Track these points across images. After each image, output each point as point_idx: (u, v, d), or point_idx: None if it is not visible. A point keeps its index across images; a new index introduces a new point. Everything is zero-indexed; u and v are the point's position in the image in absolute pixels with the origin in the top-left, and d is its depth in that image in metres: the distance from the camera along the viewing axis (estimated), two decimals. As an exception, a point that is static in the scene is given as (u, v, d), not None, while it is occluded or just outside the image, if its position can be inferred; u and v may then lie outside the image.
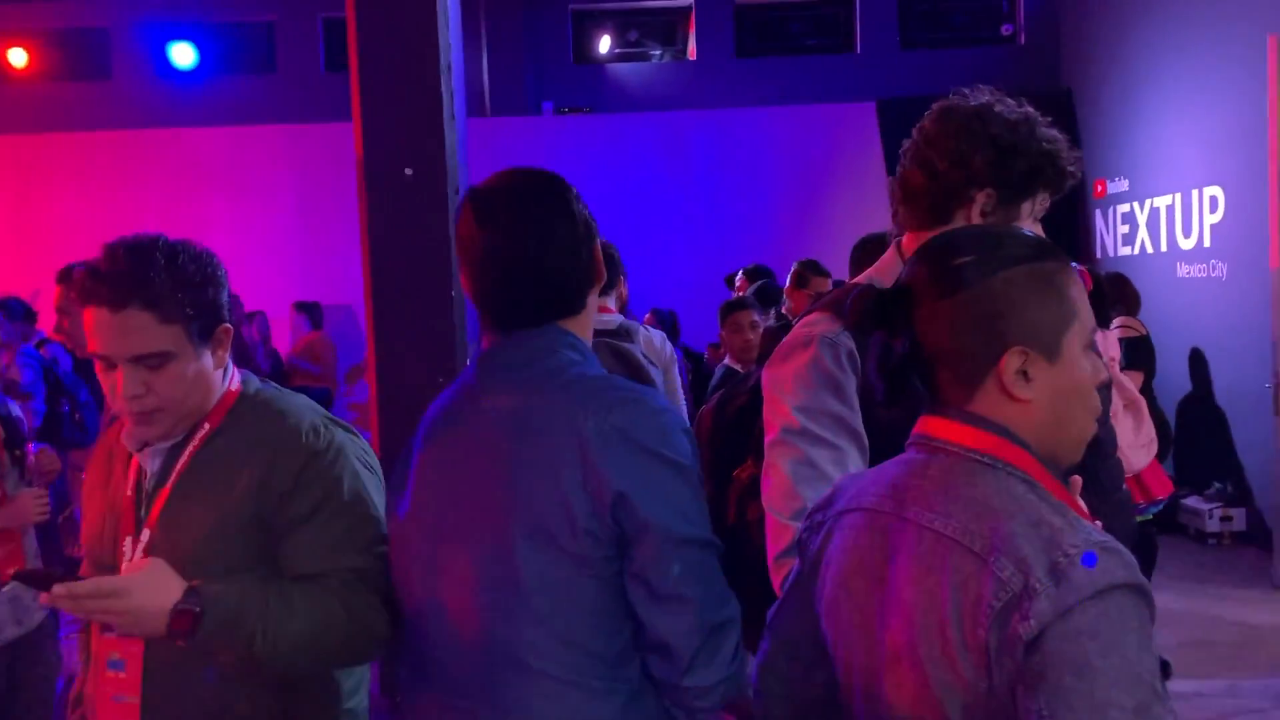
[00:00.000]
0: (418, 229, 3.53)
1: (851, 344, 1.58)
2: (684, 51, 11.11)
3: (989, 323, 1.13)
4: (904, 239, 1.72)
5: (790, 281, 5.02)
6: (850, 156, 9.78)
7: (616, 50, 11.04)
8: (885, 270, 1.70)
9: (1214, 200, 7.16)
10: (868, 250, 3.42)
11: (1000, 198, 1.63)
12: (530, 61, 10.94)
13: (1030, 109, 1.68)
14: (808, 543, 1.29)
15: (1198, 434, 7.13)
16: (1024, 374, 1.13)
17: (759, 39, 10.91)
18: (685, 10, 10.98)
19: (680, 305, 8.97)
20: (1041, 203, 1.68)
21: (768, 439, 1.62)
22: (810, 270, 4.87)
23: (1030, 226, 1.66)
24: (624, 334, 3.37)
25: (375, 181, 3.54)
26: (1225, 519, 6.81)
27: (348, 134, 3.64)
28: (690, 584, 1.37)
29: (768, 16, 10.95)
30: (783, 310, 5.06)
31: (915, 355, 1.17)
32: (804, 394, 1.58)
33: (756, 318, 4.71)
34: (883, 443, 1.58)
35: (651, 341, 3.79)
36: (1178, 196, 7.57)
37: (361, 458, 1.69)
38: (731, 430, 1.93)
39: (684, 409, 4.14)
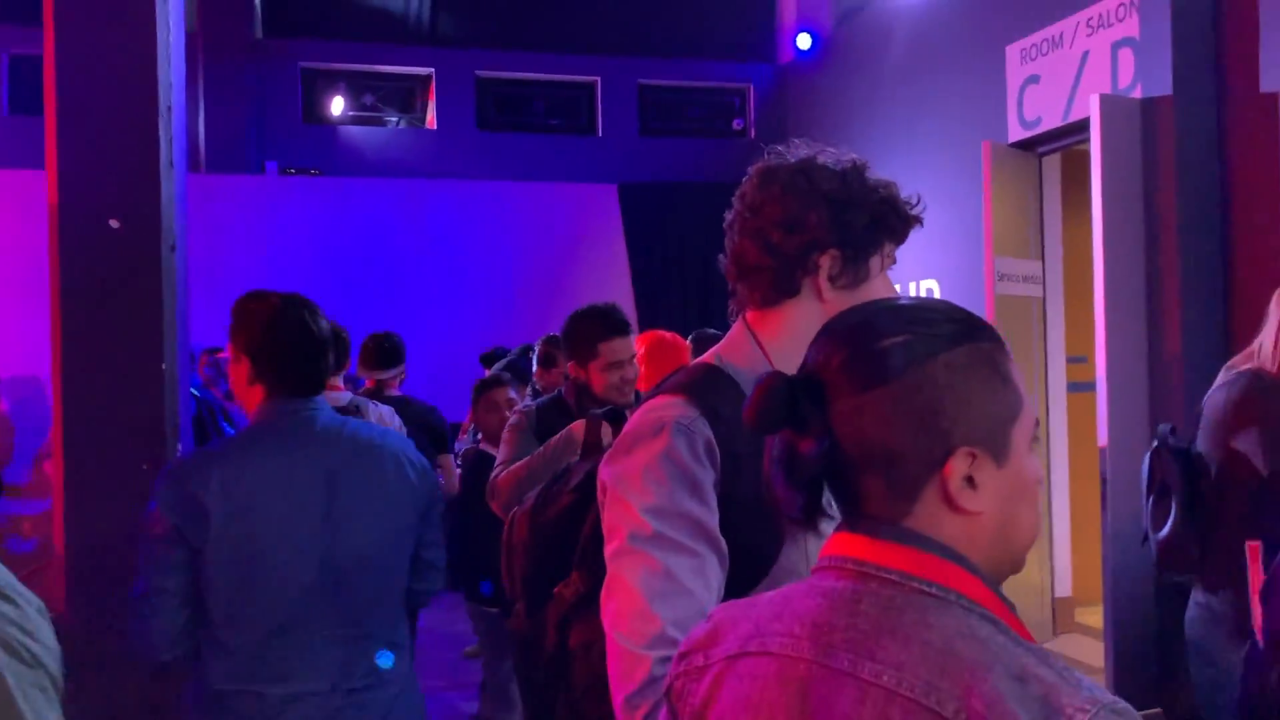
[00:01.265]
0: (124, 289, 3.02)
1: (710, 433, 1.33)
2: (423, 119, 10.78)
3: (930, 418, 0.91)
4: (749, 316, 1.50)
5: (538, 362, 4.83)
6: (593, 236, 9.80)
7: (351, 113, 10.55)
8: (736, 351, 1.48)
9: (930, 292, 7.67)
10: (580, 325, 3.28)
11: (845, 257, 1.46)
12: (254, 118, 10.24)
13: (855, 156, 1.52)
14: (685, 692, 1.01)
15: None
16: (969, 480, 0.92)
17: (501, 113, 10.78)
18: (425, 78, 10.70)
19: (416, 379, 8.52)
20: (888, 255, 1.52)
21: (610, 548, 1.32)
22: (557, 348, 4.68)
23: (882, 283, 1.51)
24: (353, 410, 3.85)
25: (72, 234, 3.01)
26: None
27: (36, 181, 3.11)
28: (440, 535, 2.41)
29: (510, 93, 10.85)
30: (537, 388, 4.87)
31: (831, 459, 0.94)
32: (655, 492, 1.30)
33: (513, 395, 4.47)
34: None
35: (383, 417, 4.04)
36: (897, 288, 8.06)
37: (14, 641, 1.01)
38: (553, 536, 1.63)
39: None
